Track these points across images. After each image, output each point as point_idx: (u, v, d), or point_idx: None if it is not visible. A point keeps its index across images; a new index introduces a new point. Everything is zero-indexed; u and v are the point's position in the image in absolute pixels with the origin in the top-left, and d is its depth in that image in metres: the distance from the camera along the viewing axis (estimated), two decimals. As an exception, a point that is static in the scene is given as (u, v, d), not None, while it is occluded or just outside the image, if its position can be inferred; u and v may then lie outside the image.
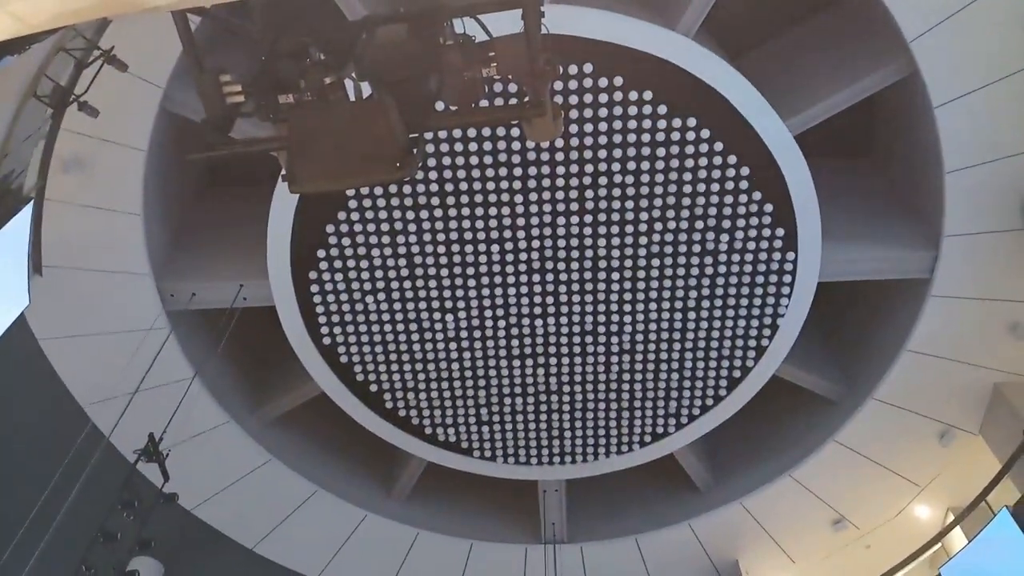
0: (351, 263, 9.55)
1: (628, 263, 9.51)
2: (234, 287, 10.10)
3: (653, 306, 9.93)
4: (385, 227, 9.28)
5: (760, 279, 9.80)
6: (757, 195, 9.04)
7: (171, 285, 10.11)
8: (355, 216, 9.21)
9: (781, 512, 12.75)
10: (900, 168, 10.22)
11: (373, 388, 10.70)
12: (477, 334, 10.16)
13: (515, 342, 10.25)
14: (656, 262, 9.52)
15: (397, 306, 9.90)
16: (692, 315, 10.08)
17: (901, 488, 12.52)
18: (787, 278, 9.78)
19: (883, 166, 10.67)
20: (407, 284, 9.72)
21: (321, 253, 9.49)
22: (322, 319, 10.02)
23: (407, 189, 8.97)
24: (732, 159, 8.76)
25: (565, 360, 10.46)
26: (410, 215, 9.17)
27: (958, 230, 9.52)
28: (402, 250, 9.46)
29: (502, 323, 10.05)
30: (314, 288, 9.76)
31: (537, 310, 9.93)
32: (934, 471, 12.26)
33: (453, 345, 10.28)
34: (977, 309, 10.21)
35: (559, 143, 8.61)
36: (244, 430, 11.02)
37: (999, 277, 9.93)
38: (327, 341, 10.22)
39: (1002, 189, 9.17)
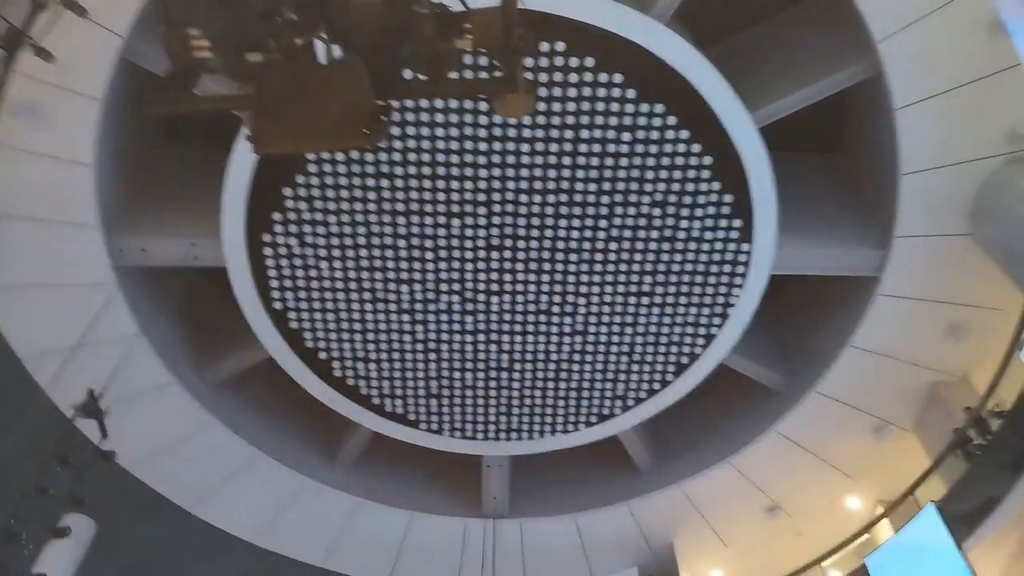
0: (307, 228, 9.40)
1: (586, 245, 9.54)
2: (185, 245, 9.87)
3: (608, 289, 9.99)
4: (344, 194, 9.14)
5: (714, 268, 9.90)
6: (717, 185, 9.11)
7: (120, 240, 9.83)
8: (314, 181, 9.05)
9: (718, 497, 13.01)
10: (860, 166, 10.38)
11: (322, 356, 10.60)
12: (431, 307, 10.11)
13: (468, 317, 10.22)
14: (614, 245, 9.56)
15: (352, 274, 9.80)
16: (645, 300, 10.16)
17: (835, 479, 12.86)
18: (740, 269, 9.90)
19: (845, 163, 10.81)
20: (363, 253, 9.61)
21: (277, 216, 9.33)
22: (274, 283, 9.87)
23: (369, 157, 8.84)
24: (696, 148, 8.80)
25: (517, 338, 10.48)
26: (370, 183, 9.05)
27: (909, 231, 9.71)
28: (360, 218, 9.34)
29: (457, 298, 10.02)
30: (267, 251, 9.60)
31: (493, 287, 9.92)
32: (867, 465, 12.61)
33: (406, 317, 10.22)
34: (921, 309, 10.47)
35: (527, 120, 8.55)
36: (188, 391, 10.83)
37: (944, 279, 10.18)
38: (278, 306, 10.09)
39: (954, 194, 9.37)
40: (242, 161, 8.85)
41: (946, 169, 9.17)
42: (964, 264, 9.91)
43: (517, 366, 10.87)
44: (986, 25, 8.10)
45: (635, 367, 11.03)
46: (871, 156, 9.91)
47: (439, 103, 8.41)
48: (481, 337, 10.45)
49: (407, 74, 3.83)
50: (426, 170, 8.96)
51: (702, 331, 10.60)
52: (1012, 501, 10.21)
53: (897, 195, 9.44)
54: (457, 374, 10.93)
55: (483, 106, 8.40)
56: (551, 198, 9.16)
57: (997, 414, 10.61)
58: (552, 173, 8.96)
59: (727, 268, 9.91)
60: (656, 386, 11.31)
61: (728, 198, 9.22)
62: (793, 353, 12.09)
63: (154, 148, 10.69)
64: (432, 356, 10.68)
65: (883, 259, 10.07)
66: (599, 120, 8.60)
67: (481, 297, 10.04)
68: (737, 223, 9.46)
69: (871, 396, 11.66)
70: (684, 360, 10.97)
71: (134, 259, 9.95)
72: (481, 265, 9.72)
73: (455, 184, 9.06)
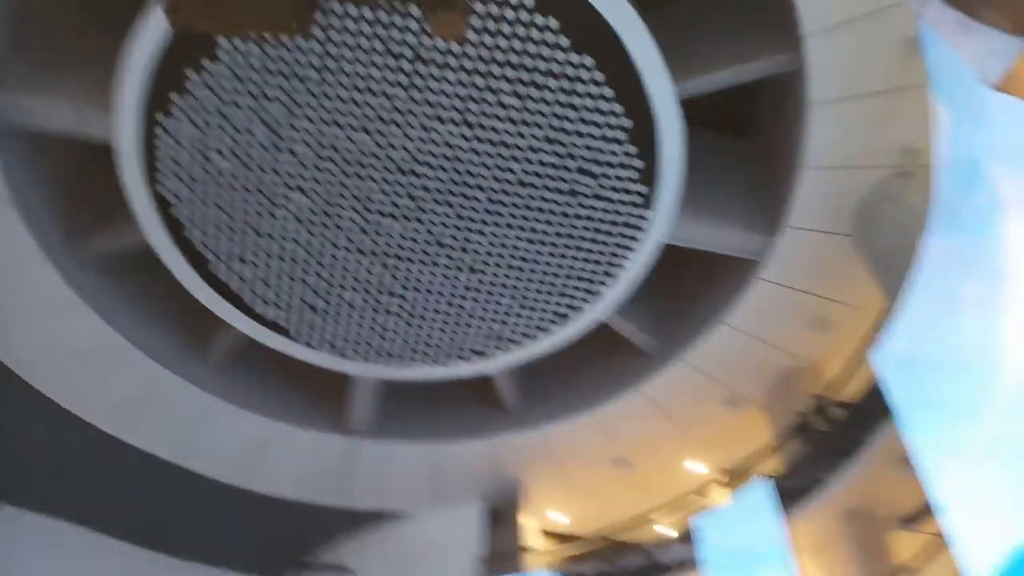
0: (208, 118, 8.88)
1: (495, 184, 9.47)
2: (72, 111, 9.19)
3: (508, 231, 9.99)
4: (253, 88, 8.66)
5: (610, 228, 10.07)
6: (631, 148, 9.20)
7: (1, 95, 9.03)
8: (223, 69, 8.52)
9: (573, 444, 13.55)
10: (767, 153, 10.71)
11: (202, 249, 10.17)
12: (327, 221, 9.84)
13: (364, 237, 10.02)
14: (521, 190, 9.54)
15: (248, 173, 9.37)
16: (541, 248, 10.24)
17: (684, 442, 13.64)
18: (636, 233, 10.12)
19: (756, 147, 11.11)
20: (263, 154, 9.19)
21: (176, 99, 8.77)
22: (161, 167, 9.32)
23: (286, 55, 8.38)
24: (617, 108, 8.82)
25: (410, 266, 10.38)
26: (283, 82, 8.61)
27: (797, 223, 10.17)
28: (266, 117, 8.91)
29: (356, 216, 9.78)
30: (160, 132, 9.04)
31: (394, 211, 9.73)
32: (716, 434, 13.41)
33: (299, 226, 9.92)
34: (793, 298, 11.08)
35: (455, 47, 8.32)
36: (54, 266, 10.08)
37: (819, 274, 10.78)
38: (162, 191, 9.57)
39: (845, 195, 9.84)
40: (150, 31, 8.19)
41: (842, 170, 9.61)
42: (840, 263, 10.50)
43: (402, 293, 10.78)
44: (905, 40, 8.42)
45: (518, 311, 11.18)
46: (778, 145, 10.24)
47: (368, 12, 8.04)
48: (373, 259, 10.29)
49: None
50: (343, 79, 8.60)
51: (587, 286, 10.83)
52: (835, 483, 11.11)
53: (793, 187, 9.82)
54: (340, 291, 10.75)
55: (414, 25, 8.11)
56: (467, 131, 9.00)
57: (839, 405, 11.45)
58: (473, 106, 8.79)
59: (623, 231, 10.10)
60: (535, 332, 11.53)
61: (638, 163, 9.34)
62: (667, 319, 12.56)
63: (59, 10, 9.72)
64: (318, 269, 10.45)
65: (768, 245, 10.53)
66: (527, 62, 8.47)
67: (380, 219, 9.83)
68: (642, 188, 9.62)
69: (731, 371, 12.33)
70: (565, 311, 11.20)
71: (14, 118, 9.17)
72: (385, 187, 9.49)
73: (371, 99, 8.75)
